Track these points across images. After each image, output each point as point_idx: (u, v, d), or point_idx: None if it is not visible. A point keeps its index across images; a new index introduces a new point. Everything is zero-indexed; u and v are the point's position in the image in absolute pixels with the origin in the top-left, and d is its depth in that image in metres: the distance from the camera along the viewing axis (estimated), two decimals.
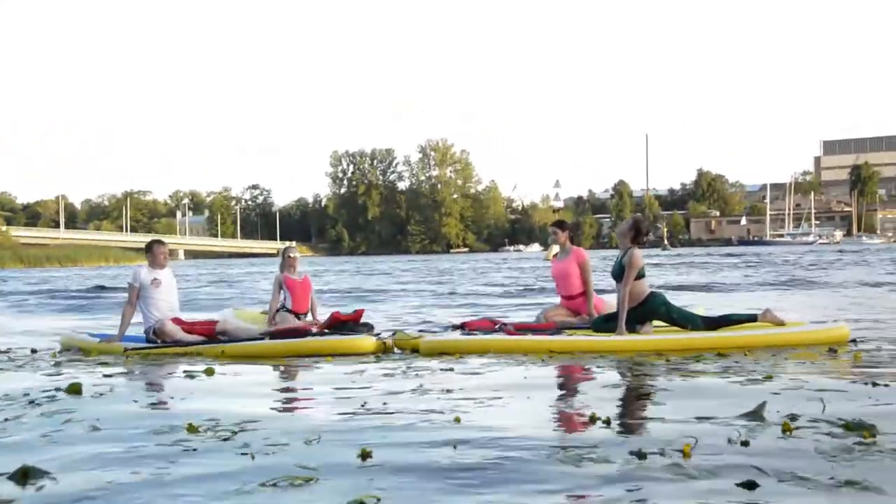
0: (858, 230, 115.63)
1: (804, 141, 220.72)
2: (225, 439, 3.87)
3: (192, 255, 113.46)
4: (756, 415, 3.98)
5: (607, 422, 4.02)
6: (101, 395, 5.18)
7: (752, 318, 7.32)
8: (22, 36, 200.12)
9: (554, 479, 3.12)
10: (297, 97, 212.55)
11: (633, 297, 7.27)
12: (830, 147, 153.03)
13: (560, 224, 8.72)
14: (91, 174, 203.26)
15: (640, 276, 7.33)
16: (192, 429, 4.00)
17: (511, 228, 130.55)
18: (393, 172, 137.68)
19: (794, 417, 3.88)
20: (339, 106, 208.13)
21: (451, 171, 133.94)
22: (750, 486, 2.97)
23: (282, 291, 9.10)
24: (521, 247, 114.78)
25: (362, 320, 8.38)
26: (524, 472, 3.22)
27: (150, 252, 8.78)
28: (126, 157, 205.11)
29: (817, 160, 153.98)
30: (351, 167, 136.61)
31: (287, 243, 9.64)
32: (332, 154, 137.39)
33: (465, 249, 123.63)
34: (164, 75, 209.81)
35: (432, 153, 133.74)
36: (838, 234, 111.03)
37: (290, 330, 8.27)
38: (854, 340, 7.06)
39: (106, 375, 6.26)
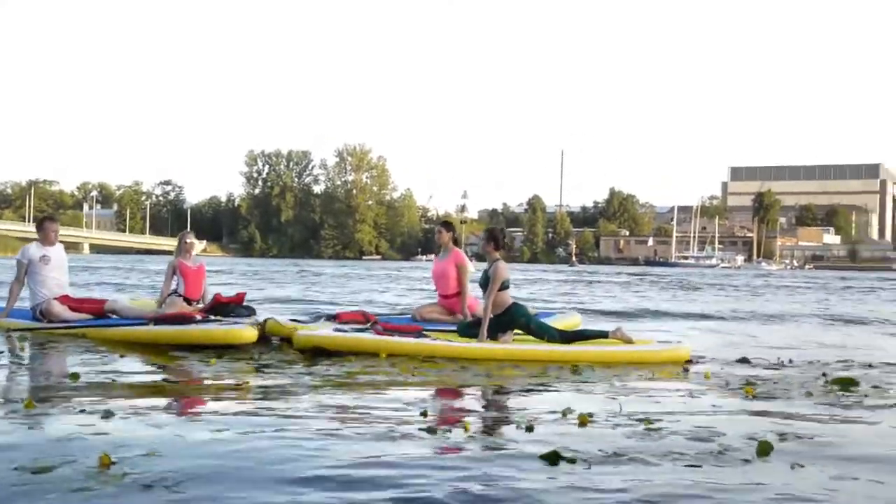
0: (759, 256, 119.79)
1: (715, 166, 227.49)
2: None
3: (97, 249, 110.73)
4: (563, 414, 4.43)
5: (425, 413, 4.39)
6: None
7: (603, 335, 7.85)
8: None
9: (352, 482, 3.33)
10: (214, 93, 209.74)
11: (496, 306, 7.73)
12: (737, 173, 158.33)
13: (446, 224, 9.09)
14: None
15: (505, 287, 7.80)
16: None
17: (424, 238, 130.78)
18: (309, 175, 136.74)
19: (591, 414, 4.34)
20: (256, 105, 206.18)
21: (367, 177, 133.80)
22: (553, 458, 3.39)
23: (175, 277, 9.15)
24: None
25: (244, 303, 8.60)
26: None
27: (41, 229, 8.86)
28: (33, 144, 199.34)
29: (725, 185, 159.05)
30: (266, 168, 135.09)
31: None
32: (247, 153, 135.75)
33: (378, 257, 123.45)
34: (79, 62, 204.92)
35: (349, 158, 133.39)
36: (739, 259, 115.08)
37: (175, 316, 8.27)
38: (690, 360, 7.49)
39: None
